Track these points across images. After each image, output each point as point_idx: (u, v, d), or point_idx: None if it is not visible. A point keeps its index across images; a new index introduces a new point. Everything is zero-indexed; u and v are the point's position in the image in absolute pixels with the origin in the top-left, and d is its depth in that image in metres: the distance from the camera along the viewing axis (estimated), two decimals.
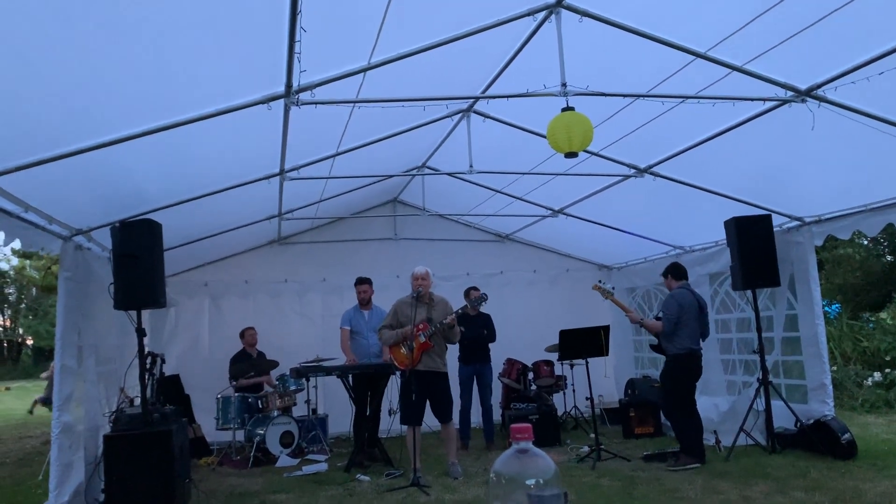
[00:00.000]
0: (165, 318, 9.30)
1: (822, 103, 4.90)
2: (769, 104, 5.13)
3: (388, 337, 6.78)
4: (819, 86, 4.79)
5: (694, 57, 4.72)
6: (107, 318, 6.54)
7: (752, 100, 5.04)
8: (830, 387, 7.22)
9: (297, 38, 3.78)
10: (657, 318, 7.07)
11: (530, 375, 9.34)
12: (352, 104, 5.12)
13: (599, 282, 7.44)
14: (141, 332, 6.02)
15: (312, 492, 6.39)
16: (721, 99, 4.93)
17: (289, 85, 4.42)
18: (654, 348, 7.22)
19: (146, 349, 6.21)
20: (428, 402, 6.77)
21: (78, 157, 4.45)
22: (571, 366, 9.15)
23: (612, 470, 6.69)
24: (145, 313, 6.11)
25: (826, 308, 13.95)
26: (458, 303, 7.24)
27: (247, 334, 9.07)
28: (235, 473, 7.44)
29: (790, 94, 4.92)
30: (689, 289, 7.09)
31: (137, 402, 6.19)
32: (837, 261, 16.47)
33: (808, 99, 4.90)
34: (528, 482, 1.19)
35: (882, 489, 5.42)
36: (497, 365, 9.54)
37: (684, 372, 6.82)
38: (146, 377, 6.07)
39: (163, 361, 7.29)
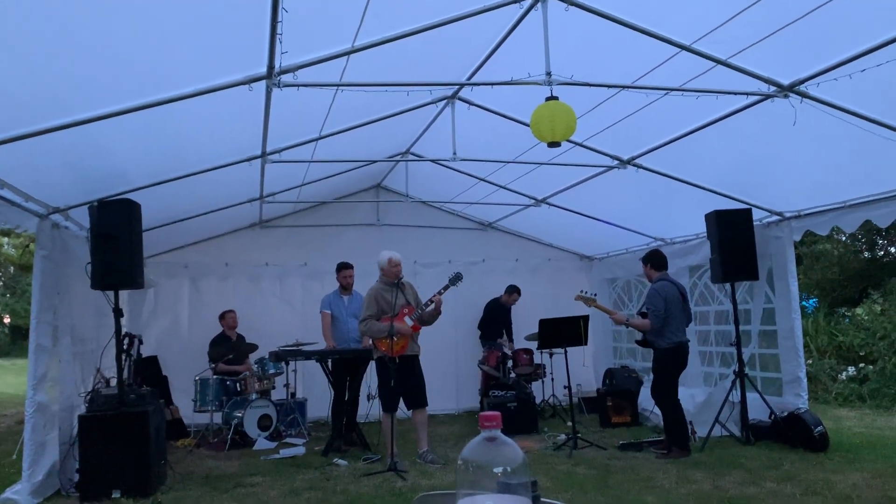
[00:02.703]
0: (144, 298, 9.23)
1: (804, 99, 4.92)
2: (752, 99, 5.15)
3: (378, 330, 6.64)
4: (802, 81, 4.81)
5: (679, 49, 4.72)
6: (84, 298, 6.48)
7: (735, 94, 5.05)
8: (805, 380, 7.32)
9: (279, 18, 3.74)
10: (642, 314, 7.07)
11: (509, 363, 9.37)
12: (335, 87, 5.08)
13: (581, 291, 7.44)
14: (118, 313, 5.98)
15: (289, 475, 6.39)
16: (705, 92, 4.93)
17: (271, 66, 4.36)
18: (641, 343, 7.21)
19: (123, 330, 6.17)
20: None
21: (56, 134, 4.40)
22: (550, 354, 9.20)
23: (588, 458, 6.74)
24: (123, 294, 6.07)
25: (803, 303, 14.11)
26: (434, 291, 7.23)
27: (227, 317, 9.02)
28: (212, 456, 7.42)
29: (773, 89, 4.94)
30: (670, 279, 7.12)
31: (114, 382, 6.15)
32: (815, 256, 16.63)
33: (791, 94, 4.93)
34: (495, 470, 1.18)
35: (853, 481, 5.51)
36: (475, 352, 9.63)
37: (675, 365, 6.85)
38: (123, 358, 6.03)
39: (140, 342, 7.23)
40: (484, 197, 9.10)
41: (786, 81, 4.88)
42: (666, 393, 6.84)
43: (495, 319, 9.94)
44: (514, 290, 9.90)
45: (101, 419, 5.70)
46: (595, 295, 7.44)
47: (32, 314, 5.65)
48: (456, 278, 6.94)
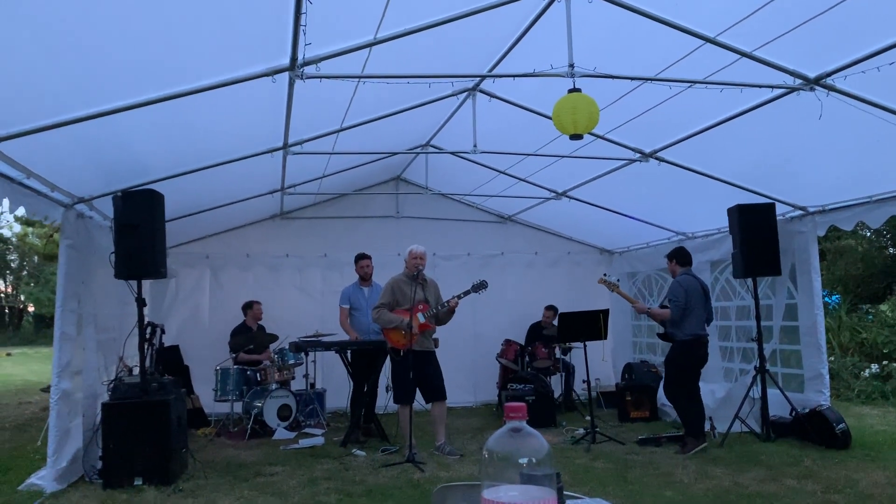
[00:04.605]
0: (166, 288, 9.32)
1: (830, 92, 4.85)
2: (777, 92, 5.08)
3: (388, 320, 6.74)
4: (828, 74, 4.74)
5: (703, 41, 4.67)
6: (107, 288, 6.55)
7: (760, 86, 4.99)
8: (827, 377, 7.25)
9: (304, 10, 3.75)
10: (663, 306, 7.05)
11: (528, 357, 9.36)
12: (357, 79, 5.08)
13: (605, 275, 7.43)
14: (141, 302, 6.04)
15: (308, 465, 6.44)
16: (729, 85, 4.88)
17: (294, 58, 4.38)
18: (662, 336, 7.19)
19: (146, 319, 6.23)
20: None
21: (80, 125, 4.44)
22: (569, 349, 9.18)
23: (606, 453, 6.72)
24: (146, 283, 6.12)
25: (826, 299, 13.94)
26: (453, 284, 7.24)
27: (255, 307, 9.05)
28: (232, 445, 7.49)
29: (798, 81, 4.88)
30: (693, 274, 7.08)
31: (136, 371, 6.22)
32: (839, 251, 16.45)
33: (817, 87, 4.86)
34: (520, 461, 1.18)
35: (874, 479, 5.46)
36: (494, 346, 9.62)
37: (691, 357, 6.82)
38: (145, 347, 6.10)
39: (162, 332, 7.30)
40: (504, 189, 9.08)
41: (812, 74, 4.81)
42: (681, 386, 6.81)
43: (539, 337, 9.75)
44: (545, 309, 9.81)
45: (123, 407, 5.76)
46: (618, 281, 7.42)
47: (57, 303, 5.73)
48: (479, 286, 6.86)
